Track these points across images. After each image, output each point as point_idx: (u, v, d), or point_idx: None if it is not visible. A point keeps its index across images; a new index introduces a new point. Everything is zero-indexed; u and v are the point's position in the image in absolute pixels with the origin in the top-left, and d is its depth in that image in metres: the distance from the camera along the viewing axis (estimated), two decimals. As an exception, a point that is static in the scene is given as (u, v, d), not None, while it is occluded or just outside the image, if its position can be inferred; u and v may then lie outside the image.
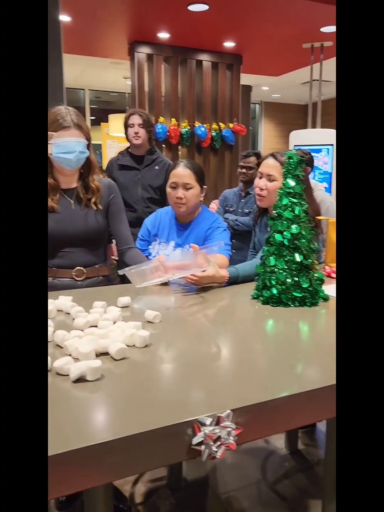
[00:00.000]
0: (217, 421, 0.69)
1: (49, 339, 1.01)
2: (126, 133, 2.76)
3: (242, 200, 3.37)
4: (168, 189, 1.80)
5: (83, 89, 7.80)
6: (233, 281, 1.57)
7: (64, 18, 4.02)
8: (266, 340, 1.10)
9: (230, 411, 0.71)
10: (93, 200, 1.60)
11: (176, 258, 1.67)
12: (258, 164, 3.30)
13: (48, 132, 1.48)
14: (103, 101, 8.47)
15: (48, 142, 1.48)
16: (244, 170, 3.28)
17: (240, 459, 2.03)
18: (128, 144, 2.85)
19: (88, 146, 1.55)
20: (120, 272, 1.44)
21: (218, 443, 0.69)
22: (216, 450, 0.69)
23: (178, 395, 0.78)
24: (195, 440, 0.68)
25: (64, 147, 1.47)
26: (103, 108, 8.24)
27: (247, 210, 3.28)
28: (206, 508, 1.78)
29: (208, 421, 0.69)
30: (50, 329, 1.02)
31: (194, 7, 4.02)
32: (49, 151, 1.49)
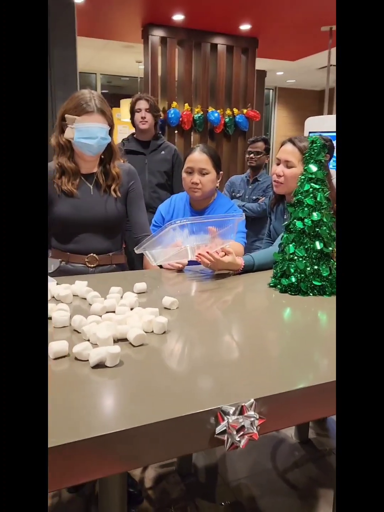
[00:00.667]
0: (241, 411, 0.67)
1: (65, 324, 1.00)
2: (132, 118, 2.76)
3: (250, 186, 3.33)
4: (184, 174, 1.77)
5: (95, 74, 7.71)
6: (248, 269, 1.55)
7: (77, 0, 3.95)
8: (283, 329, 1.08)
9: (253, 400, 0.69)
10: (112, 187, 1.57)
11: (191, 243, 1.65)
12: (266, 150, 3.28)
13: (71, 116, 1.45)
14: (115, 86, 8.38)
15: (70, 126, 1.45)
16: (251, 155, 3.24)
17: (250, 447, 2.02)
18: (133, 131, 2.83)
19: (110, 132, 1.52)
20: (137, 250, 1.42)
21: (241, 432, 0.67)
22: (239, 439, 0.67)
23: (198, 383, 0.77)
24: (219, 429, 0.67)
25: (86, 132, 1.44)
26: (115, 93, 8.16)
27: (254, 197, 3.25)
28: (215, 495, 1.79)
29: (231, 410, 0.67)
30: (66, 314, 1.01)
31: (210, -12, 3.92)
32: (70, 135, 1.46)
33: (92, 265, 1.55)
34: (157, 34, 5.01)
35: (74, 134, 1.45)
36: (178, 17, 4.75)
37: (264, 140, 3.31)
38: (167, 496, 1.76)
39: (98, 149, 1.50)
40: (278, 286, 1.33)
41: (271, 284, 1.37)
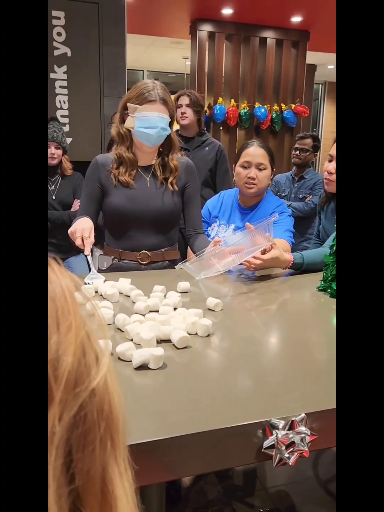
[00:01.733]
0: (291, 426, 0.63)
1: (109, 322, 0.99)
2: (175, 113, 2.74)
3: (296, 185, 3.22)
4: (239, 169, 1.73)
5: (142, 70, 7.78)
6: (297, 267, 1.48)
7: (128, -4, 3.98)
8: (333, 338, 1.02)
9: (304, 415, 0.65)
10: (170, 179, 1.55)
11: (234, 241, 1.60)
12: (314, 147, 3.16)
13: (132, 105, 1.44)
14: (161, 82, 8.41)
15: (131, 115, 1.44)
16: (297, 152, 3.13)
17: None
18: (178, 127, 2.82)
19: (170, 124, 1.50)
20: (177, 267, 1.39)
21: (291, 449, 0.63)
22: (288, 456, 0.63)
23: (244, 392, 0.73)
24: (266, 443, 0.63)
25: (147, 121, 1.42)
26: (161, 89, 8.19)
27: (301, 195, 3.14)
28: (254, 500, 1.75)
29: (280, 424, 0.63)
30: (109, 312, 1.00)
31: (262, -20, 3.83)
32: (131, 125, 1.45)
33: (144, 262, 1.53)
34: (205, 29, 4.97)
35: (135, 123, 1.43)
36: (227, 11, 4.68)
37: (313, 137, 3.19)
38: (204, 497, 1.73)
39: (158, 139, 1.47)
40: (328, 290, 1.27)
41: (320, 288, 1.31)
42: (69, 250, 2.71)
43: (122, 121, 1.50)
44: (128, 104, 1.45)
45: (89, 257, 1.34)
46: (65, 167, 2.71)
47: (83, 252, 1.30)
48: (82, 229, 1.33)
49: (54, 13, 3.10)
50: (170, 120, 1.48)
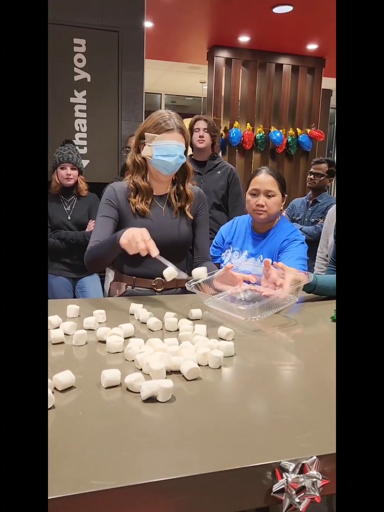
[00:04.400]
0: (302, 469, 0.61)
1: (119, 350, 0.98)
2: (191, 137, 2.78)
3: (310, 209, 3.21)
4: (248, 196, 1.73)
5: (160, 94, 7.95)
6: (309, 289, 1.45)
7: (147, 24, 4.10)
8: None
9: (315, 457, 0.62)
10: (186, 207, 1.56)
11: (246, 268, 1.59)
12: (329, 172, 3.15)
13: (150, 134, 1.45)
14: (178, 105, 8.58)
15: (148, 144, 1.45)
16: (311, 176, 3.14)
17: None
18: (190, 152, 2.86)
19: (185, 152, 1.50)
20: (187, 287, 1.37)
21: (302, 494, 0.60)
22: (298, 501, 0.60)
23: (255, 429, 0.71)
24: (276, 487, 0.60)
25: (165, 150, 1.43)
26: (178, 112, 8.31)
27: (313, 219, 3.13)
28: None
29: (291, 467, 0.61)
30: (120, 339, 1.00)
31: (279, 9, 3.91)
32: (148, 153, 1.46)
33: (159, 290, 1.52)
34: (222, 55, 5.08)
35: (153, 152, 1.44)
36: (244, 39, 4.78)
37: (329, 162, 3.20)
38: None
39: (175, 167, 1.48)
40: (343, 321, 1.24)
41: (334, 318, 1.28)
42: (83, 270, 2.72)
43: (138, 151, 1.51)
44: (145, 133, 1.46)
45: (161, 258, 1.28)
46: (81, 187, 2.75)
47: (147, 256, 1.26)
48: (141, 233, 1.26)
49: (76, 40, 3.21)
50: (185, 148, 1.49)
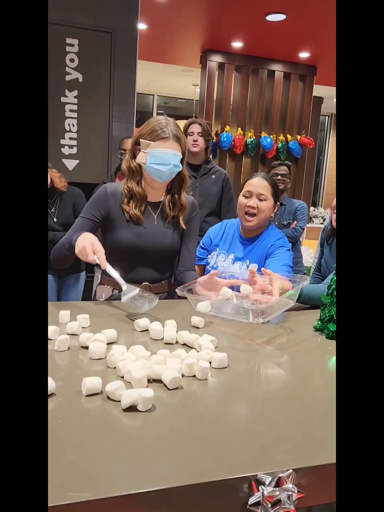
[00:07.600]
0: (278, 482, 0.61)
1: (101, 356, 0.98)
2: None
3: (277, 212, 3.25)
4: (240, 198, 1.74)
5: (152, 95, 7.95)
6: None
7: (141, 26, 4.10)
8: (330, 383, 1.00)
9: (292, 471, 0.63)
10: (180, 217, 1.55)
11: (232, 272, 1.60)
12: (288, 175, 3.19)
13: (145, 141, 1.44)
14: (171, 107, 8.58)
15: (143, 151, 1.44)
16: (279, 177, 3.17)
17: None
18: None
19: (182, 161, 1.48)
20: (179, 292, 1.37)
21: (277, 507, 0.61)
22: (273, 514, 0.61)
23: (233, 440, 0.71)
24: (252, 500, 0.61)
25: (159, 158, 1.41)
26: (171, 114, 8.35)
27: (285, 222, 3.18)
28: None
29: (267, 480, 0.61)
30: (102, 345, 0.99)
31: (272, 17, 3.95)
32: (143, 160, 1.44)
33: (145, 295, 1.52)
34: (215, 59, 5.10)
35: (147, 159, 1.43)
36: (237, 44, 4.81)
37: (287, 165, 3.29)
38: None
39: (169, 176, 1.46)
40: (325, 331, 1.26)
41: (317, 327, 1.29)
42: (69, 271, 2.71)
43: (133, 156, 1.50)
44: (140, 139, 1.45)
45: (111, 270, 1.30)
46: (56, 181, 2.57)
47: (98, 266, 1.26)
48: (91, 243, 1.28)
49: (68, 40, 3.19)
50: (182, 156, 1.47)
